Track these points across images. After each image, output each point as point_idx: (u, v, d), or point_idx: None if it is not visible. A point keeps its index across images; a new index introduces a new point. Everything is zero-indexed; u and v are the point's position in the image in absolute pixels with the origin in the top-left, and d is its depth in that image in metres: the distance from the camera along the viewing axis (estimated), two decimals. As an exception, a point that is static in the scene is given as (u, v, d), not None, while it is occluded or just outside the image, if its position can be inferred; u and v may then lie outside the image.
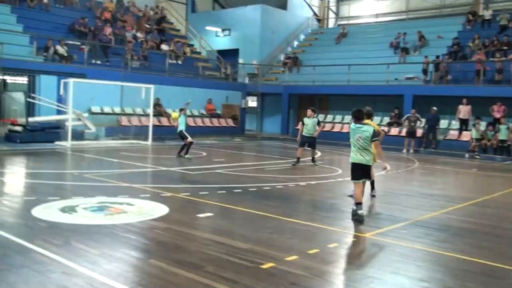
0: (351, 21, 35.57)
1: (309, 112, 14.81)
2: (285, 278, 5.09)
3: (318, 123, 14.85)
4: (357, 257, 6.29)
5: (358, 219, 7.61)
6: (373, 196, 9.86)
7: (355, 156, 7.76)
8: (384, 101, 24.20)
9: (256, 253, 5.84)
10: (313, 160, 14.84)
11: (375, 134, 7.69)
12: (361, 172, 7.80)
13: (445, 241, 6.94)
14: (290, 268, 5.35)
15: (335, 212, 8.67)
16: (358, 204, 7.67)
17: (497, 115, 19.85)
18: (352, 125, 7.89)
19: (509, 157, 18.52)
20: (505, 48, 22.68)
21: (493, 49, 22.93)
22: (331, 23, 37.43)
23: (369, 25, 33.50)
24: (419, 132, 21.57)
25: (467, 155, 19.20)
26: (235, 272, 5.15)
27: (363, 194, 8.12)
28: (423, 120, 21.48)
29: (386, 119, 23.86)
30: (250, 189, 10.23)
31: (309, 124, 14.56)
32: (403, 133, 21.35)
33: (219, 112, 27.21)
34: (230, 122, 27.29)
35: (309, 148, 14.83)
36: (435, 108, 21.01)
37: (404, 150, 20.53)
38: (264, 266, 5.37)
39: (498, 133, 19.34)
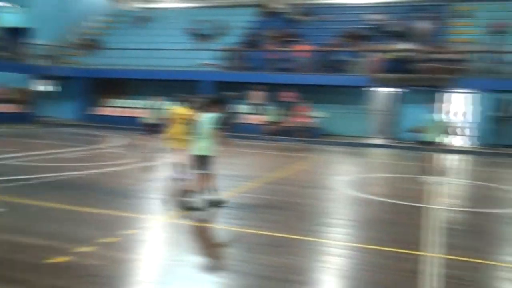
0: (152, 5, 35.17)
1: (161, 98, 15.12)
2: (78, 270, 4.83)
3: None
4: (156, 241, 6.27)
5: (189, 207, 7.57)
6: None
7: (195, 147, 7.63)
8: (184, 87, 24.49)
9: (45, 248, 5.43)
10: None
11: (217, 121, 7.54)
12: (199, 162, 7.63)
13: (242, 218, 7.33)
14: (85, 260, 5.09)
15: (135, 198, 8.52)
16: (189, 192, 7.59)
17: (289, 100, 21.61)
18: (202, 114, 7.75)
19: (297, 138, 20.26)
20: (293, 39, 24.73)
21: (283, 40, 24.84)
22: (132, 6, 36.52)
23: (170, 10, 33.51)
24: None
25: (273, 137, 20.40)
26: (18, 271, 4.71)
27: (204, 185, 7.81)
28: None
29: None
30: (44, 180, 9.47)
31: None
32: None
33: (9, 96, 24.63)
34: (22, 108, 24.95)
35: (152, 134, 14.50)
36: (232, 93, 22.02)
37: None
38: (53, 261, 5.00)
39: (290, 117, 21.02)
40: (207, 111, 7.83)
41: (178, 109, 9.70)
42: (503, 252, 6.58)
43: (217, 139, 7.59)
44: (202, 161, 7.63)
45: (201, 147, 7.62)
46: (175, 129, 9.51)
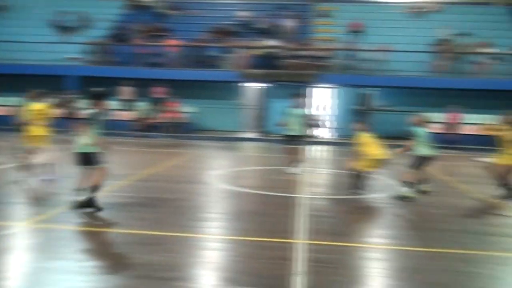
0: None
1: (22, 95, 13.60)
2: None
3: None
4: (18, 249, 5.82)
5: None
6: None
7: (78, 144, 7.16)
8: (48, 82, 23.02)
9: None
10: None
11: (94, 116, 7.13)
12: (82, 159, 7.17)
13: (113, 218, 7.08)
14: None
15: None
16: (81, 189, 7.13)
17: (159, 96, 21.30)
18: (80, 111, 7.31)
19: (168, 134, 20.05)
20: (162, 34, 24.39)
21: (152, 34, 24.38)
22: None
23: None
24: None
25: (144, 134, 19.86)
26: None
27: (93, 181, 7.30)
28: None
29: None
30: None
31: None
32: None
33: None
34: None
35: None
36: (100, 88, 21.15)
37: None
38: None
39: (160, 113, 20.73)
40: (85, 107, 7.48)
41: (38, 106, 9.17)
42: (366, 234, 7.12)
43: (94, 136, 7.22)
44: (84, 158, 7.24)
45: (81, 144, 7.22)
46: (36, 127, 8.99)
